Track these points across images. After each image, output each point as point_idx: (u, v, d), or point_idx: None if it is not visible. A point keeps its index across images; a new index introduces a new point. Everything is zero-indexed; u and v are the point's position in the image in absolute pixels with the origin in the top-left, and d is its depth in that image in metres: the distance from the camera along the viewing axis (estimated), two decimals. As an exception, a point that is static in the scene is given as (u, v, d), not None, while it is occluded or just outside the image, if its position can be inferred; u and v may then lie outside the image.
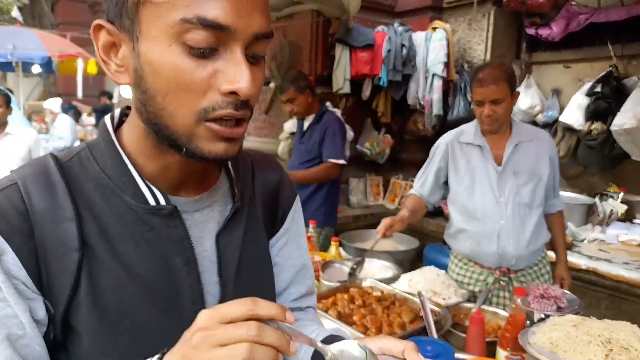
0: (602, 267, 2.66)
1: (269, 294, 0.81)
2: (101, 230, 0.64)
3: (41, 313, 0.62)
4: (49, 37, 7.34)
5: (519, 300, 1.52)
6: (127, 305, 0.64)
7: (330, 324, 1.49)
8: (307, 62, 3.98)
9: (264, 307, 0.51)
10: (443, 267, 2.92)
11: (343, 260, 2.09)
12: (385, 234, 1.96)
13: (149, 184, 0.66)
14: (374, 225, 3.97)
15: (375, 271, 2.25)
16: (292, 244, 0.88)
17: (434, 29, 3.66)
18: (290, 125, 3.87)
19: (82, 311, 0.62)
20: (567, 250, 2.82)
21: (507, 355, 1.43)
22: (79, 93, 7.65)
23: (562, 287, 2.11)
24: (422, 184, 2.23)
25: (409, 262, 3.29)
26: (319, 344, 0.58)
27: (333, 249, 2.11)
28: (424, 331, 1.49)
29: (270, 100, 4.38)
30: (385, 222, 1.98)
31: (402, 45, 3.59)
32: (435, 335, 1.46)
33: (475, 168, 2.08)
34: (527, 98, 3.62)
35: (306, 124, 3.11)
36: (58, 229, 0.62)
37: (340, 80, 3.69)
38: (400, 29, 3.69)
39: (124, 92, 8.15)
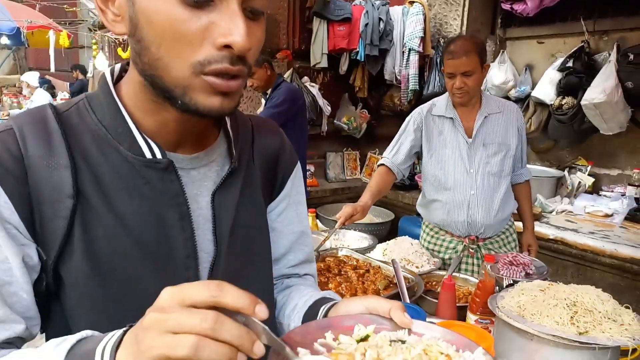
0: (569, 237, 2.77)
1: (264, 256, 0.81)
2: (96, 180, 0.64)
3: (34, 259, 0.62)
4: (17, 7, 7.05)
5: (488, 267, 1.58)
6: (119, 256, 0.63)
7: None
8: (284, 36, 3.93)
9: (230, 296, 0.45)
10: (417, 237, 2.97)
11: (319, 231, 2.12)
12: (345, 223, 1.97)
13: (146, 137, 0.65)
14: (352, 199, 4.03)
15: (351, 241, 2.29)
16: (292, 210, 0.87)
17: (411, 3, 3.65)
18: (267, 100, 3.85)
19: (74, 259, 0.62)
20: (535, 221, 2.93)
21: (477, 319, 1.49)
22: (52, 67, 7.39)
23: (529, 253, 2.20)
24: (396, 152, 2.24)
25: (385, 234, 3.35)
26: (289, 351, 0.52)
27: (309, 220, 2.14)
28: (397, 297, 1.54)
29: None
30: (346, 211, 1.98)
31: (380, 19, 3.57)
32: (408, 301, 1.51)
33: (447, 140, 2.13)
34: (501, 73, 3.67)
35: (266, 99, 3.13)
36: (53, 175, 0.61)
37: (318, 55, 3.66)
38: (377, 2, 3.66)
39: (99, 65, 7.90)
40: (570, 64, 3.31)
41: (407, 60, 3.59)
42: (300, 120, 3.13)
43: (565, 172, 3.46)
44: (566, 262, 2.80)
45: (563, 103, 3.34)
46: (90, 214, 0.63)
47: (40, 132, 0.62)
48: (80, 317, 0.64)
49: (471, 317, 1.50)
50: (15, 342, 0.62)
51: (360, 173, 4.27)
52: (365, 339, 0.60)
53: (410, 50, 3.57)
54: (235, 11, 0.56)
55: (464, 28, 3.73)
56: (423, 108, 2.22)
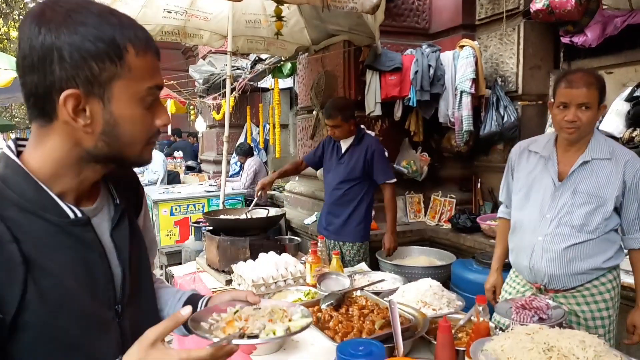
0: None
1: (148, 270, 1.11)
2: (35, 244, 0.81)
3: None
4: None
5: (480, 308, 1.57)
6: (64, 294, 0.84)
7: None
8: (342, 89, 4.18)
9: None
10: (467, 282, 2.91)
11: (342, 272, 2.23)
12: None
13: (67, 203, 0.87)
14: (415, 242, 4.01)
15: (384, 283, 2.35)
16: (148, 222, 1.23)
17: (461, 47, 3.70)
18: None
19: (31, 308, 0.79)
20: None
21: (472, 362, 1.48)
22: (169, 130, 9.23)
23: (632, 333, 1.95)
24: (506, 195, 2.21)
25: (446, 276, 3.27)
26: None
27: (335, 261, 2.26)
28: (391, 336, 1.59)
29: (313, 126, 4.63)
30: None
31: (429, 65, 3.66)
32: (399, 340, 1.55)
33: (534, 180, 2.01)
34: (565, 108, 3.50)
35: (344, 145, 3.31)
36: (3, 249, 0.77)
37: (372, 104, 3.83)
38: (427, 50, 3.77)
39: (199, 127, 9.11)
40: (638, 92, 3.08)
41: (460, 102, 3.61)
42: None
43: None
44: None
45: (634, 135, 3.09)
46: (37, 271, 0.80)
47: None
48: (39, 347, 0.82)
49: (467, 361, 1.50)
50: None
51: (425, 216, 4.25)
52: (236, 312, 1.04)
53: (462, 92, 3.59)
54: (164, 107, 0.96)
55: (521, 65, 3.66)
56: (522, 143, 2.13)
